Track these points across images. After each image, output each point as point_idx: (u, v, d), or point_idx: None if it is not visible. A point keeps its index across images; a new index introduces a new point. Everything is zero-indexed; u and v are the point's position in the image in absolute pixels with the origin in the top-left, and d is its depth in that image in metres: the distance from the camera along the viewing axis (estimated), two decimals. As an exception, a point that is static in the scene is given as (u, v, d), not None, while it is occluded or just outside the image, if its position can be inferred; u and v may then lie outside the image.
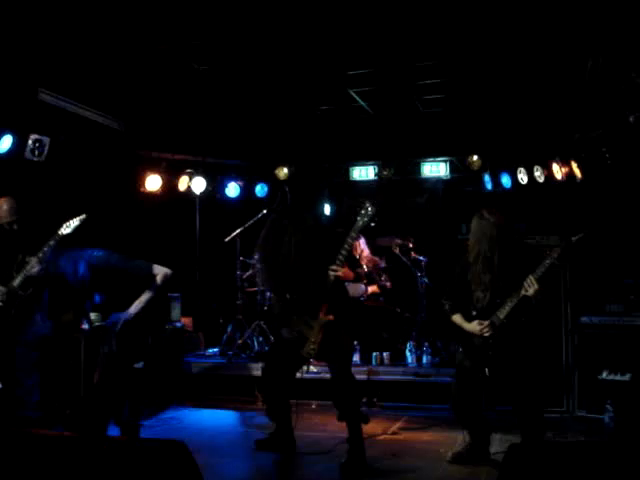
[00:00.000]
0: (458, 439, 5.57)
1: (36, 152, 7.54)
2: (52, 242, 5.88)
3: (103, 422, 4.92)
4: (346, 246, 5.19)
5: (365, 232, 8.28)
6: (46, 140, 7.60)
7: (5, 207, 6.15)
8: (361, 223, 5.18)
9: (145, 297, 5.30)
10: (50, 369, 6.60)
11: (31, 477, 3.58)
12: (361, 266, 8.12)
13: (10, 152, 7.30)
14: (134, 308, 5.22)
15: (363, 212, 5.16)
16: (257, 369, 7.71)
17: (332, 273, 5.16)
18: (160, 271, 5.48)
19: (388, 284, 8.53)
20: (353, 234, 5.22)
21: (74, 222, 5.70)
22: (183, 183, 9.43)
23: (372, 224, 5.65)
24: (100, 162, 8.48)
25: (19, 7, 6.20)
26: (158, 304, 7.74)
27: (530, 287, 4.95)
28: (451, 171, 9.39)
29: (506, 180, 8.97)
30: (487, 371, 5.11)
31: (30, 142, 7.46)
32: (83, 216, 5.54)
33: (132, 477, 3.63)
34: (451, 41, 7.29)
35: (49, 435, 3.94)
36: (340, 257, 5.18)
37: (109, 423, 5.00)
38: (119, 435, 5.08)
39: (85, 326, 6.44)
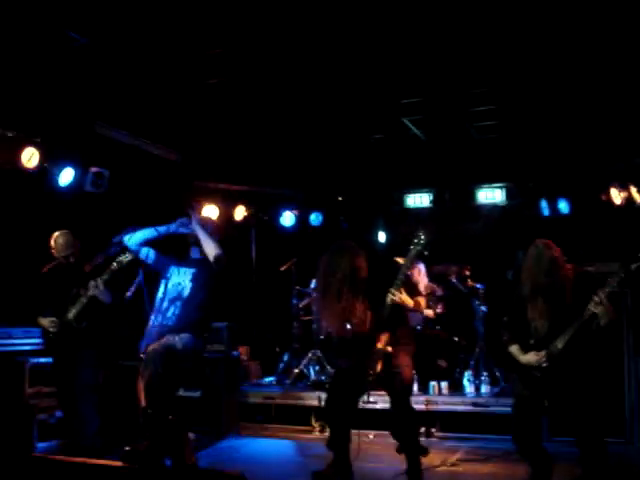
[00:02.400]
0: (519, 471, 5.45)
1: (96, 184, 7.71)
2: (106, 275, 6.01)
3: (159, 452, 4.93)
4: (401, 275, 5.21)
5: (422, 260, 8.27)
6: (106, 173, 7.77)
7: (60, 241, 6.33)
8: (414, 252, 5.24)
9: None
10: (110, 396, 6.72)
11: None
12: (420, 294, 8.06)
13: (71, 185, 7.49)
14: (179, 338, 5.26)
15: (416, 240, 5.22)
16: (313, 398, 7.69)
17: (390, 297, 5.16)
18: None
19: (439, 310, 8.43)
20: (407, 262, 5.26)
21: (127, 257, 5.81)
22: (239, 213, 9.53)
23: (426, 252, 5.63)
24: (158, 193, 8.63)
25: (75, 43, 6.39)
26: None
27: (598, 305, 4.83)
28: (507, 197, 9.29)
29: (564, 205, 8.84)
30: (546, 402, 5.00)
31: (90, 175, 7.64)
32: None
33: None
34: (504, 67, 7.26)
35: (107, 466, 3.98)
36: (397, 283, 5.19)
37: (166, 452, 5.01)
38: (175, 465, 5.09)
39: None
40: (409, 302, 5.43)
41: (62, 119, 7.41)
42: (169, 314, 5.29)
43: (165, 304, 5.35)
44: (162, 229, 5.56)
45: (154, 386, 4.99)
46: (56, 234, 6.38)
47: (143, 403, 5.08)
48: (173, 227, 5.54)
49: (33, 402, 6.62)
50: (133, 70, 7.11)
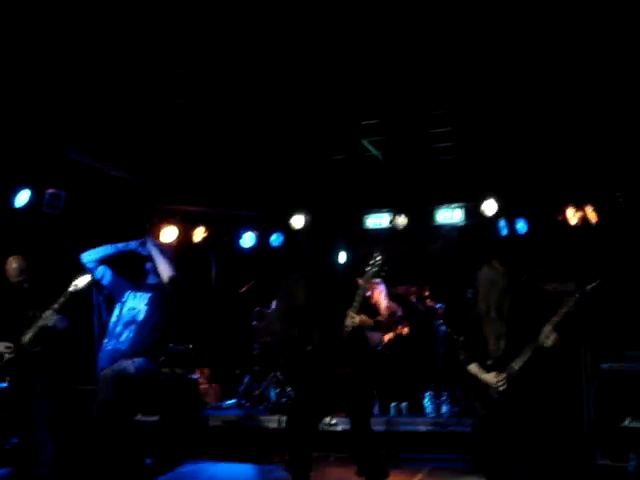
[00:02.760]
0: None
1: (53, 206, 7.60)
2: (62, 299, 5.90)
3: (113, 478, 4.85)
4: (358, 297, 5.23)
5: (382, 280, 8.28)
6: (62, 194, 7.66)
7: (14, 266, 6.25)
8: (371, 272, 5.30)
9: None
10: (65, 424, 6.58)
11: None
12: (379, 314, 8.06)
13: (27, 206, 7.38)
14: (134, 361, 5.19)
15: (372, 262, 5.26)
16: (274, 421, 7.63)
17: (349, 320, 5.16)
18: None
19: (405, 330, 8.45)
20: (365, 284, 5.31)
21: (84, 280, 5.71)
22: (198, 234, 9.47)
23: (382, 273, 5.67)
24: (116, 215, 8.54)
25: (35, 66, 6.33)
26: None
27: (548, 338, 4.87)
28: (466, 217, 9.37)
29: (522, 225, 8.93)
30: (504, 422, 5.01)
31: (47, 196, 7.53)
32: (90, 275, 5.58)
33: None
34: (462, 89, 7.36)
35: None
36: (355, 304, 5.20)
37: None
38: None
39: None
40: (368, 322, 5.43)
41: (21, 142, 7.31)
42: (122, 338, 5.22)
43: (119, 328, 5.28)
44: (121, 246, 5.52)
45: (107, 412, 4.93)
46: (10, 259, 6.30)
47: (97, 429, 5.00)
48: (132, 245, 5.50)
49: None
50: (92, 91, 7.06)
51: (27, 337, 5.96)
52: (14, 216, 7.39)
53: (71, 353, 6.67)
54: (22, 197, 7.30)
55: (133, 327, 5.25)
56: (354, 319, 5.18)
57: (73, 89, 6.96)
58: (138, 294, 5.42)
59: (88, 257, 5.50)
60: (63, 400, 6.75)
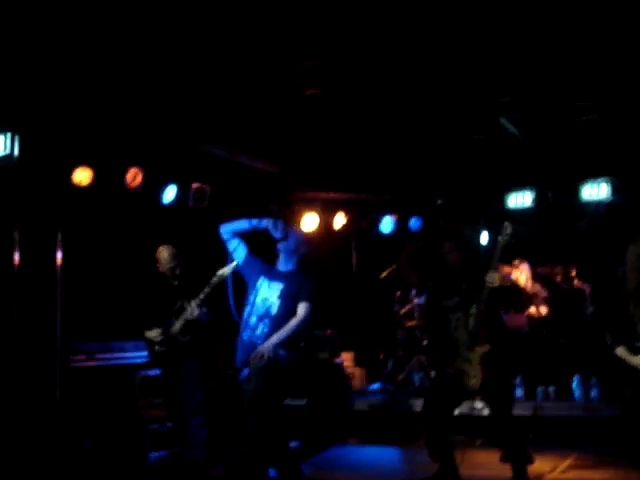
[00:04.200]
0: (632, 477, 5.25)
1: (198, 200, 7.94)
2: (207, 289, 6.12)
3: (261, 462, 5.00)
4: (494, 261, 5.16)
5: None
6: (207, 188, 7.98)
7: (164, 255, 6.50)
8: (502, 242, 5.18)
9: (281, 333, 5.20)
10: (217, 408, 6.89)
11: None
12: (522, 293, 7.91)
13: (174, 201, 7.74)
14: (271, 341, 5.14)
15: (502, 231, 5.17)
16: (418, 405, 7.64)
17: (489, 280, 5.08)
18: (303, 310, 5.34)
19: (543, 310, 8.22)
20: (497, 252, 5.20)
21: (227, 269, 5.82)
22: (338, 220, 9.60)
23: (513, 240, 5.56)
24: (258, 205, 8.79)
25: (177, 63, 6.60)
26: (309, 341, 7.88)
27: None
28: (613, 192, 8.98)
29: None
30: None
31: (192, 191, 7.87)
32: (234, 263, 5.60)
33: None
34: (603, 59, 7.04)
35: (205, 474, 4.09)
36: (493, 266, 5.13)
37: (268, 464, 5.07)
38: (281, 476, 5.15)
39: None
40: (506, 277, 5.33)
41: (163, 138, 7.66)
42: (258, 332, 5.11)
43: (253, 319, 5.17)
44: (255, 222, 5.40)
45: (257, 402, 5.02)
46: (160, 248, 6.57)
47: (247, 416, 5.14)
48: (265, 222, 5.36)
49: (145, 413, 6.85)
50: (227, 85, 7.28)
51: (176, 327, 6.26)
52: (163, 212, 7.78)
53: (218, 340, 6.94)
54: (169, 193, 7.67)
55: (267, 321, 5.13)
56: (492, 277, 5.08)
57: (212, 85, 7.20)
58: (272, 283, 5.26)
59: (225, 228, 5.46)
60: (215, 385, 7.09)
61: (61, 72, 6.21)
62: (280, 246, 5.32)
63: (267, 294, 5.19)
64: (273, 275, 5.30)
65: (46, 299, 6.86)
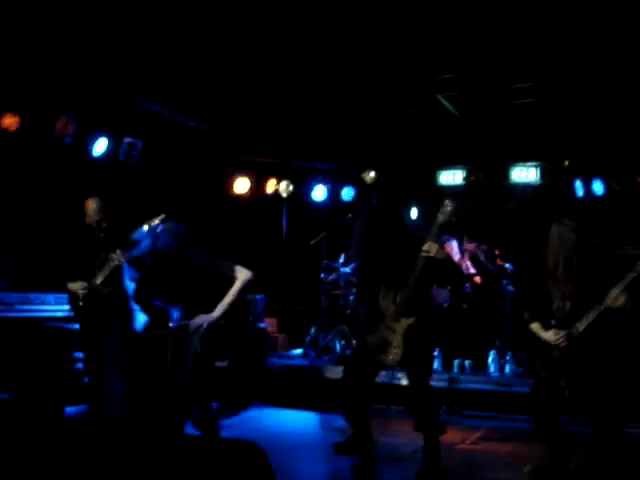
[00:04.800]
0: (538, 451, 5.44)
1: (130, 155, 7.79)
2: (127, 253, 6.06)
3: (180, 420, 5.04)
4: (433, 232, 5.18)
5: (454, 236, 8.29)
6: (139, 143, 7.85)
7: (93, 206, 6.39)
8: (441, 219, 5.17)
9: (228, 300, 5.30)
10: (138, 365, 6.83)
11: (102, 468, 3.72)
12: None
13: (105, 155, 7.58)
14: (218, 311, 5.22)
15: (442, 208, 5.17)
16: (338, 372, 7.73)
17: (426, 247, 5.10)
18: (242, 274, 5.46)
19: (478, 279, 8.39)
20: (435, 229, 5.21)
21: (154, 221, 5.79)
22: (270, 186, 9.58)
23: (453, 219, 5.61)
24: (191, 165, 8.70)
25: (111, 15, 6.44)
26: (240, 305, 7.90)
27: (617, 299, 4.79)
28: (542, 177, 9.19)
29: (598, 187, 8.72)
30: (563, 383, 5.00)
31: (124, 145, 7.72)
32: (162, 215, 5.59)
33: (204, 476, 3.72)
34: (543, 43, 7.15)
35: (124, 429, 4.07)
36: (431, 237, 5.15)
37: (186, 421, 5.11)
38: (198, 434, 5.20)
39: (172, 324, 6.64)
40: (441, 253, 5.34)
41: (96, 89, 7.48)
42: None
43: None
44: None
45: (197, 363, 5.06)
46: (88, 200, 6.46)
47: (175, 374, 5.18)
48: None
49: (64, 367, 6.77)
50: (168, 40, 7.15)
51: (99, 278, 6.17)
52: (92, 164, 7.62)
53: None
54: (100, 146, 7.51)
55: None
56: (430, 247, 5.10)
57: (154, 40, 7.06)
58: None
59: None
60: (136, 343, 7.02)
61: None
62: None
63: None
64: None
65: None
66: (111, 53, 7.15)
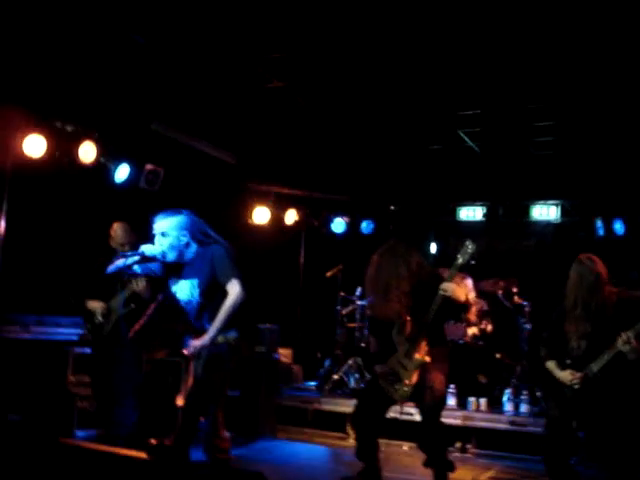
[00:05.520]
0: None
1: (151, 182, 7.85)
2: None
3: (184, 446, 4.99)
4: (450, 275, 5.13)
5: (469, 274, 8.23)
6: (160, 171, 7.91)
7: (119, 231, 6.49)
8: (461, 260, 5.13)
9: (218, 322, 5.09)
10: (150, 392, 6.83)
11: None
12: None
13: (127, 181, 7.64)
14: (210, 334, 5.07)
15: (463, 249, 5.13)
16: (350, 406, 7.67)
17: (443, 287, 5.06)
18: (233, 290, 5.20)
19: (489, 327, 8.33)
20: (453, 271, 5.18)
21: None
22: (290, 217, 9.61)
23: (472, 262, 5.57)
24: (211, 193, 8.75)
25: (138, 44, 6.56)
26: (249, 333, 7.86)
27: (627, 343, 4.73)
28: (562, 215, 9.15)
29: (619, 226, 8.66)
30: (575, 423, 4.92)
31: (145, 172, 7.78)
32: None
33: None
34: (563, 83, 7.17)
35: (131, 457, 4.07)
36: (448, 278, 5.10)
37: (190, 448, 5.07)
38: (206, 461, 5.16)
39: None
40: (460, 294, 5.31)
41: (120, 116, 7.58)
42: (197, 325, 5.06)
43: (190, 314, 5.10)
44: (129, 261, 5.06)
45: (194, 389, 5.02)
46: (115, 224, 6.55)
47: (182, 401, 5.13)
48: (138, 255, 5.01)
49: (75, 390, 6.77)
50: (192, 71, 7.25)
51: (119, 299, 6.21)
52: (113, 190, 7.68)
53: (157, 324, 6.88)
54: (122, 172, 7.57)
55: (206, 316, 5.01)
56: (448, 287, 5.06)
57: (177, 70, 7.17)
58: (183, 281, 5.05)
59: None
60: (149, 369, 7.03)
61: (19, 38, 6.14)
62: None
63: (186, 295, 5.03)
64: (184, 271, 5.08)
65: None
66: (135, 79, 7.26)
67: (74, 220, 7.77)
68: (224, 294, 4.89)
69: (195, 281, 4.97)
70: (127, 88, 7.32)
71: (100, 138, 7.25)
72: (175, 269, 5.08)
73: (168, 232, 4.97)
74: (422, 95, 7.79)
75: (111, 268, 5.21)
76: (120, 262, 5.09)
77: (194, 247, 5.03)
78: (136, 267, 5.15)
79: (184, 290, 5.03)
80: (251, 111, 8.24)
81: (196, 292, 4.98)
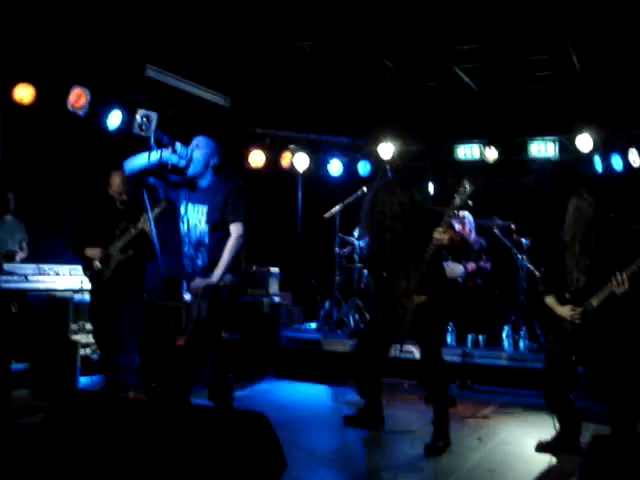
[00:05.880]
0: (548, 426, 5.40)
1: (143, 127, 7.75)
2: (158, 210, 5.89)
3: (184, 388, 5.04)
4: (446, 217, 5.11)
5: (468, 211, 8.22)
6: (153, 115, 7.79)
7: (117, 180, 6.43)
8: (458, 201, 5.10)
9: (224, 262, 5.13)
10: (152, 336, 6.87)
11: (111, 437, 3.76)
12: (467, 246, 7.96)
13: (119, 128, 7.55)
14: (216, 275, 5.09)
15: (461, 190, 5.09)
16: (350, 346, 7.75)
17: (438, 235, 5.05)
18: (236, 231, 5.10)
19: (488, 265, 8.34)
20: (450, 212, 5.16)
21: (158, 210, 5.62)
22: (286, 159, 9.54)
23: (470, 202, 5.53)
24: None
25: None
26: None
27: (619, 286, 4.73)
28: (560, 152, 9.07)
29: (617, 162, 8.60)
30: (574, 357, 4.96)
31: (138, 117, 7.67)
32: (164, 204, 5.50)
33: (211, 445, 3.74)
34: (562, 15, 7.04)
35: (130, 399, 4.10)
36: (442, 224, 5.08)
37: (190, 390, 5.12)
38: (210, 404, 5.22)
39: (186, 296, 6.66)
40: (456, 238, 5.29)
41: (111, 61, 7.45)
42: (199, 262, 5.17)
43: (192, 250, 5.18)
44: (154, 157, 4.99)
45: (202, 329, 5.06)
46: (114, 173, 6.48)
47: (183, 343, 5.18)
48: (164, 154, 4.97)
49: (76, 338, 6.81)
50: (185, 13, 7.11)
51: (118, 245, 6.19)
52: (106, 137, 7.60)
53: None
54: (114, 118, 7.47)
55: (204, 250, 5.15)
56: (443, 234, 5.05)
57: (169, 13, 7.04)
58: (195, 205, 5.17)
59: (130, 171, 5.23)
60: (149, 314, 7.05)
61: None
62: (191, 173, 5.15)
63: (195, 219, 5.16)
64: (195, 196, 5.21)
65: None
66: (126, 24, 7.12)
67: (67, 168, 7.73)
68: (226, 233, 5.06)
69: (205, 208, 5.14)
70: (118, 31, 7.18)
71: (91, 84, 7.15)
72: (187, 194, 5.21)
73: (201, 147, 5.19)
74: (418, 31, 7.66)
75: (130, 166, 5.19)
76: (141, 159, 5.08)
77: (212, 176, 5.22)
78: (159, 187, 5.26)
79: (192, 216, 5.17)
80: (244, 54, 8.11)
81: (203, 219, 5.14)
